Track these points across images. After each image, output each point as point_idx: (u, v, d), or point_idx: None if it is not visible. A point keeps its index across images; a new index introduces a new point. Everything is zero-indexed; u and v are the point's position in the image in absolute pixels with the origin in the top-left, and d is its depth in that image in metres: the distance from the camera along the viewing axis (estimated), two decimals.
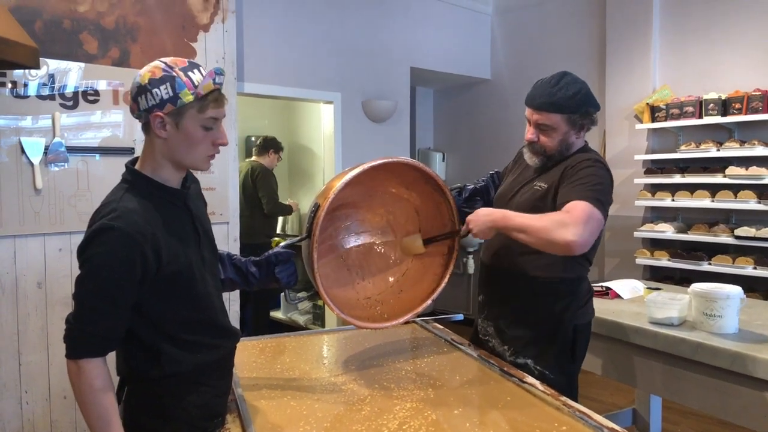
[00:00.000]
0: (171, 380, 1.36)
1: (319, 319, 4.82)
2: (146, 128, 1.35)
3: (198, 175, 3.48)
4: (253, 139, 5.41)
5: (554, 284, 1.85)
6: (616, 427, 1.36)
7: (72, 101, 2.84)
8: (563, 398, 1.54)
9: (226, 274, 1.71)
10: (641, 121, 4.23)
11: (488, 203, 2.08)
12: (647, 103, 4.13)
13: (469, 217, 1.78)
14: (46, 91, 2.77)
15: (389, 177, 1.99)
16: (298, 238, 1.81)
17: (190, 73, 1.32)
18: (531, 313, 1.86)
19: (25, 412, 2.79)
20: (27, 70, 2.67)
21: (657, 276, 4.10)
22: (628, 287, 2.82)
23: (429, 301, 1.98)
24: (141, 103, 1.31)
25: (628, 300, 2.69)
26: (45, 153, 2.76)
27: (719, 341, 2.02)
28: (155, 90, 1.29)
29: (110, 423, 1.25)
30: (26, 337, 2.77)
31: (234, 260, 1.72)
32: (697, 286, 2.21)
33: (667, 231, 3.99)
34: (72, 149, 2.84)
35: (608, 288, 2.78)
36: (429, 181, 1.93)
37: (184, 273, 1.35)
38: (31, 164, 2.73)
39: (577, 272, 1.89)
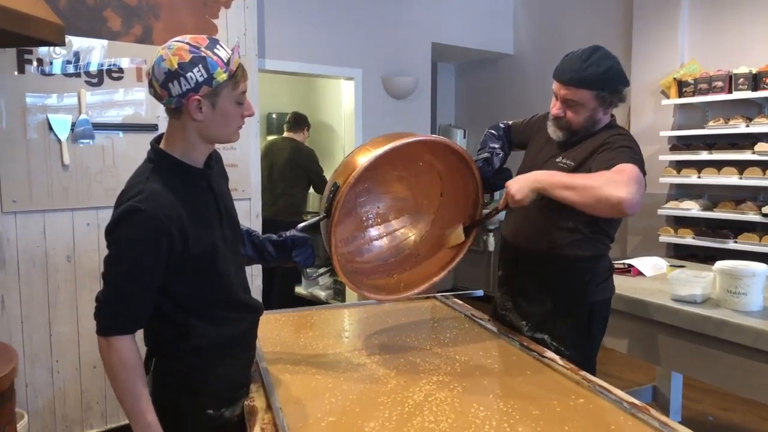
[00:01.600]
0: (197, 354, 1.40)
1: (339, 294, 4.87)
2: (177, 112, 1.33)
3: (221, 151, 3.50)
4: (274, 116, 5.42)
5: (574, 261, 1.83)
6: (636, 401, 1.36)
7: (97, 78, 2.88)
8: (582, 373, 1.54)
9: (244, 251, 1.73)
10: (668, 97, 4.13)
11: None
12: (674, 78, 4.03)
13: (509, 182, 1.71)
14: (71, 69, 2.80)
15: (414, 144, 1.97)
16: (316, 218, 1.83)
17: (216, 51, 1.30)
18: (549, 289, 1.86)
19: (56, 381, 2.89)
20: (52, 48, 2.71)
21: (681, 254, 4.05)
22: (650, 264, 2.80)
23: (449, 269, 1.99)
24: (173, 89, 1.27)
25: (651, 277, 2.67)
26: (72, 130, 2.81)
27: (743, 318, 2.00)
28: (189, 74, 1.26)
29: (140, 397, 1.29)
30: (56, 309, 2.86)
31: (252, 237, 1.75)
32: (722, 263, 2.18)
33: (692, 208, 3.92)
34: (97, 126, 2.88)
35: (630, 265, 2.76)
36: (453, 152, 1.91)
37: (208, 253, 1.37)
38: (59, 141, 2.79)
39: (598, 250, 1.86)
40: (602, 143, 1.74)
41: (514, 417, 1.33)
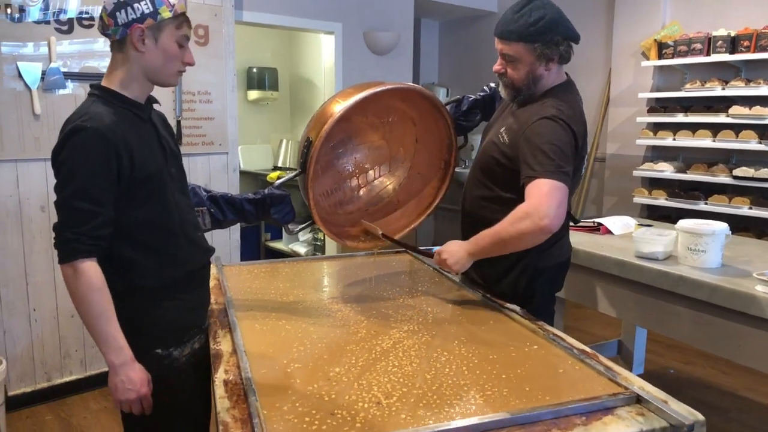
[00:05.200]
0: (139, 293, 1.43)
1: (319, 250, 4.92)
2: (120, 45, 1.39)
3: (197, 104, 3.47)
4: (255, 70, 5.34)
5: None
6: (586, 348, 1.43)
7: (67, 26, 2.81)
8: (540, 323, 1.61)
9: (225, 216, 1.79)
10: (648, 59, 4.14)
11: (487, 111, 2.04)
12: (655, 40, 4.03)
13: (444, 252, 1.73)
14: (41, 17, 2.73)
15: (384, 93, 1.99)
16: (292, 174, 1.85)
17: None
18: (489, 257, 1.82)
19: (34, 329, 2.93)
20: None
21: (654, 215, 4.14)
22: (619, 223, 2.86)
23: (426, 214, 2.05)
24: (119, 17, 1.35)
25: (619, 236, 2.74)
26: (42, 79, 2.76)
27: (700, 274, 2.08)
28: (135, 4, 1.34)
29: (110, 320, 1.32)
30: (32, 258, 2.87)
31: (228, 199, 1.79)
32: (684, 222, 2.24)
33: (666, 170, 3.99)
34: (69, 75, 2.83)
35: (600, 224, 2.82)
36: (424, 98, 1.94)
37: (154, 178, 1.41)
38: (29, 90, 2.74)
39: None
40: (533, 121, 1.68)
41: (473, 361, 1.39)
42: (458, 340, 1.52)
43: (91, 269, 1.30)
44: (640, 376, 1.34)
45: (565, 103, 1.72)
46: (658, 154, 4.27)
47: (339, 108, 1.71)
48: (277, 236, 5.31)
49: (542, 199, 1.56)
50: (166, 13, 1.36)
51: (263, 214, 1.83)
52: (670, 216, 4.07)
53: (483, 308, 1.77)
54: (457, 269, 1.71)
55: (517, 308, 1.71)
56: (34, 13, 2.71)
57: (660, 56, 4.02)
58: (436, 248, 1.80)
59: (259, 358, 1.40)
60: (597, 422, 1.11)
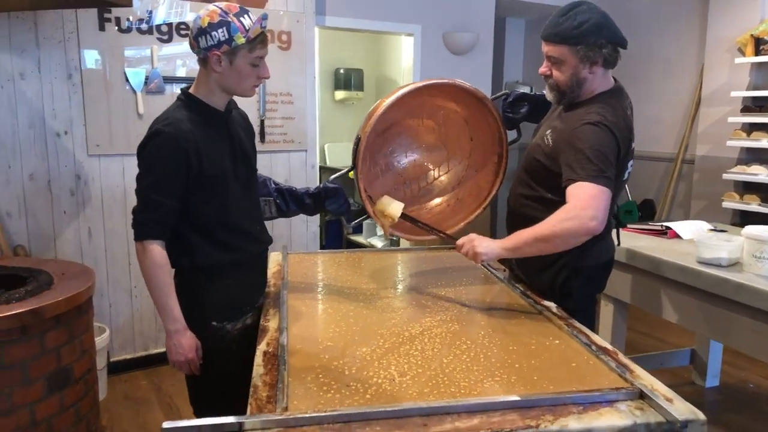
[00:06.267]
0: (200, 272, 1.66)
1: (395, 244, 5.08)
2: (203, 62, 1.60)
3: (279, 105, 3.73)
4: (341, 71, 5.59)
5: None
6: (607, 346, 1.46)
7: (167, 35, 3.16)
8: (571, 320, 1.65)
9: (288, 207, 2.00)
10: (744, 55, 3.90)
11: (539, 111, 2.06)
12: (752, 35, 3.79)
13: (476, 239, 1.73)
14: (144, 26, 3.10)
15: (433, 93, 2.10)
16: (346, 170, 2.01)
17: (242, 18, 1.54)
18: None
19: (134, 304, 3.32)
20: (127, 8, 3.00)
21: (747, 221, 3.89)
22: (691, 228, 2.77)
23: (482, 209, 2.13)
24: (201, 42, 1.55)
25: (687, 240, 2.65)
26: (145, 83, 3.12)
27: (763, 283, 2.00)
28: (213, 33, 1.53)
29: (169, 294, 1.58)
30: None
31: (292, 192, 1.99)
32: (750, 228, 2.16)
33: (760, 174, 3.75)
34: (167, 79, 3.18)
35: (667, 227, 2.75)
36: (468, 93, 2.03)
37: (219, 178, 1.62)
38: (134, 92, 3.11)
39: None
40: (576, 126, 1.71)
41: (492, 350, 1.47)
42: (485, 331, 1.61)
43: (156, 249, 1.56)
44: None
45: (610, 108, 1.74)
46: (751, 156, 4.00)
47: (382, 105, 1.86)
48: (358, 230, 5.53)
49: (590, 201, 1.59)
50: (240, 40, 1.53)
51: (320, 206, 2.01)
52: (765, 222, 3.81)
53: (519, 304, 1.83)
54: (483, 258, 1.73)
55: (552, 305, 1.76)
56: (138, 23, 3.08)
57: (757, 52, 3.78)
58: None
59: (298, 335, 1.57)
60: (593, 412, 1.17)
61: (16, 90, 2.89)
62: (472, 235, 1.78)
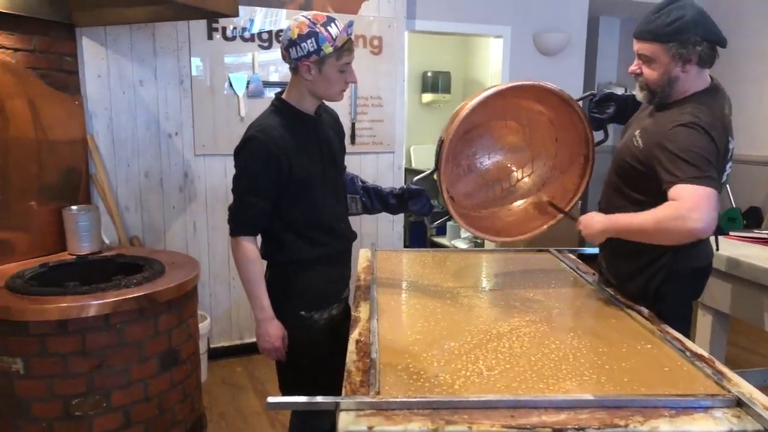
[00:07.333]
0: (291, 265, 1.79)
1: (479, 245, 5.07)
2: (295, 71, 1.72)
3: (369, 108, 3.85)
4: (429, 74, 5.65)
5: None
6: (703, 353, 1.43)
7: (268, 42, 3.36)
8: (664, 325, 1.61)
9: (372, 205, 2.08)
10: None
11: (627, 111, 2.02)
12: None
13: (582, 222, 1.80)
14: (246, 34, 3.31)
15: (518, 95, 2.11)
16: (428, 171, 2.07)
17: (329, 28, 1.63)
18: (623, 254, 1.86)
19: (232, 295, 3.55)
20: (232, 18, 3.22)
21: None
22: None
23: (567, 210, 2.13)
24: (292, 53, 1.65)
25: None
26: (246, 87, 3.33)
27: None
28: (303, 44, 1.62)
29: (259, 285, 1.73)
30: None
31: (378, 191, 2.06)
32: None
33: None
34: (267, 84, 3.38)
35: None
36: (553, 94, 2.02)
37: (306, 180, 1.73)
38: (237, 96, 3.33)
39: None
40: (668, 128, 1.66)
41: (581, 351, 1.47)
42: (574, 332, 1.61)
43: (247, 245, 1.71)
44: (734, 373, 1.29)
45: (705, 108, 1.67)
46: None
47: (466, 108, 1.90)
48: (442, 232, 5.57)
49: (700, 201, 1.53)
50: (328, 49, 1.62)
51: (404, 207, 2.07)
52: None
53: (609, 307, 1.81)
54: (590, 240, 1.79)
55: (644, 310, 1.73)
56: (243, 32, 3.29)
57: None
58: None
59: (387, 327, 1.64)
60: (685, 417, 1.15)
61: (136, 95, 3.18)
62: (582, 216, 1.82)
